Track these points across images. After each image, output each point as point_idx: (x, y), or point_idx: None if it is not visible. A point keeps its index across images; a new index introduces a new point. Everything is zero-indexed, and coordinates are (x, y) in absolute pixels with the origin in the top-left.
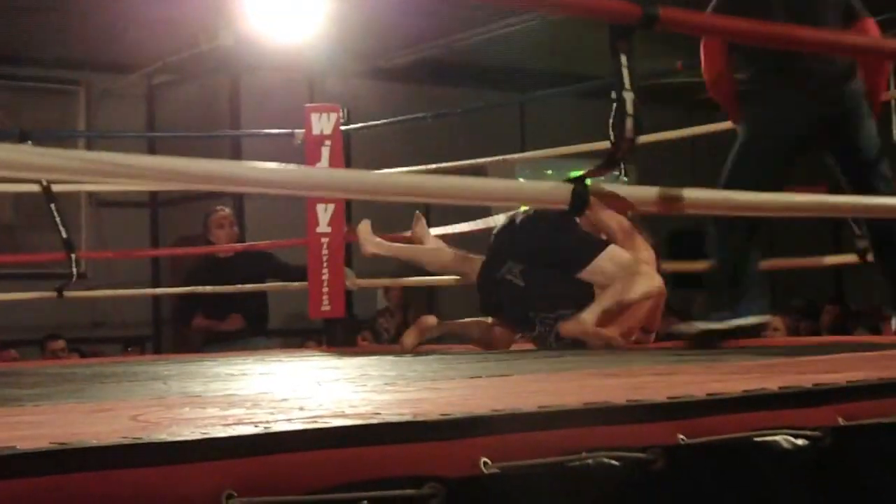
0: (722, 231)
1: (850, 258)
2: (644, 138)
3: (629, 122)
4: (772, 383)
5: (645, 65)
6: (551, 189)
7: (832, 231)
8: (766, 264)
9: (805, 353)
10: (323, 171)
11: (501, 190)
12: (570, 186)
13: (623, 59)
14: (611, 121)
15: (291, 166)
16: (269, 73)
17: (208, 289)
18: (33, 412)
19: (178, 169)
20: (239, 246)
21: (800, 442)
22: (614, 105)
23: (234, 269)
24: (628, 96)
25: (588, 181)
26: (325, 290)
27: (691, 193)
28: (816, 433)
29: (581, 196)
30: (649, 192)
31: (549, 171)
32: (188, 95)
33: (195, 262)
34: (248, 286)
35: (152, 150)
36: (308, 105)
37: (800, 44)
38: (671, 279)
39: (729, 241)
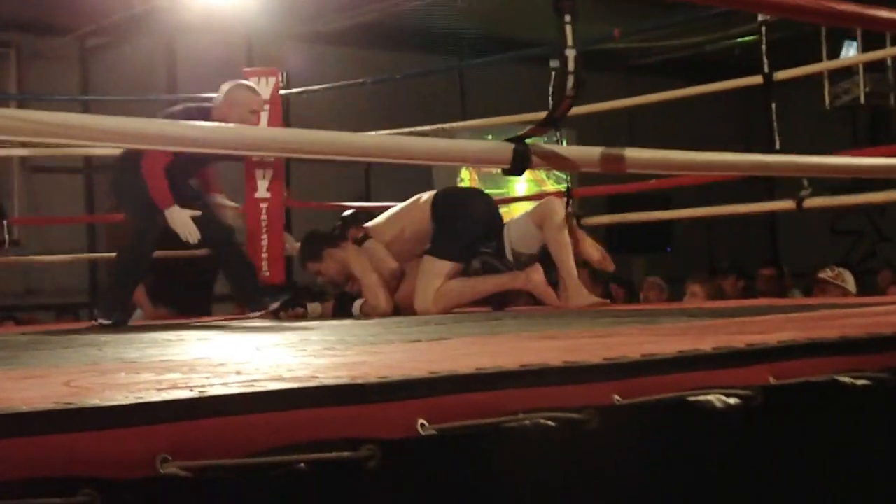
0: None
1: (787, 204)
2: (584, 108)
3: (570, 80)
4: (705, 344)
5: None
6: (493, 148)
7: (766, 187)
8: (702, 212)
9: (738, 315)
10: (258, 129)
11: (443, 149)
12: (510, 146)
13: (567, 17)
14: (551, 82)
15: (227, 125)
16: (206, 36)
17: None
18: None
19: (112, 128)
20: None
21: (732, 401)
22: (558, 64)
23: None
24: (571, 53)
25: (528, 140)
26: (265, 255)
27: (631, 153)
28: (748, 392)
29: (522, 155)
30: (591, 153)
31: (490, 137)
32: (123, 58)
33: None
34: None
35: (86, 113)
36: (246, 69)
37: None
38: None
39: None
